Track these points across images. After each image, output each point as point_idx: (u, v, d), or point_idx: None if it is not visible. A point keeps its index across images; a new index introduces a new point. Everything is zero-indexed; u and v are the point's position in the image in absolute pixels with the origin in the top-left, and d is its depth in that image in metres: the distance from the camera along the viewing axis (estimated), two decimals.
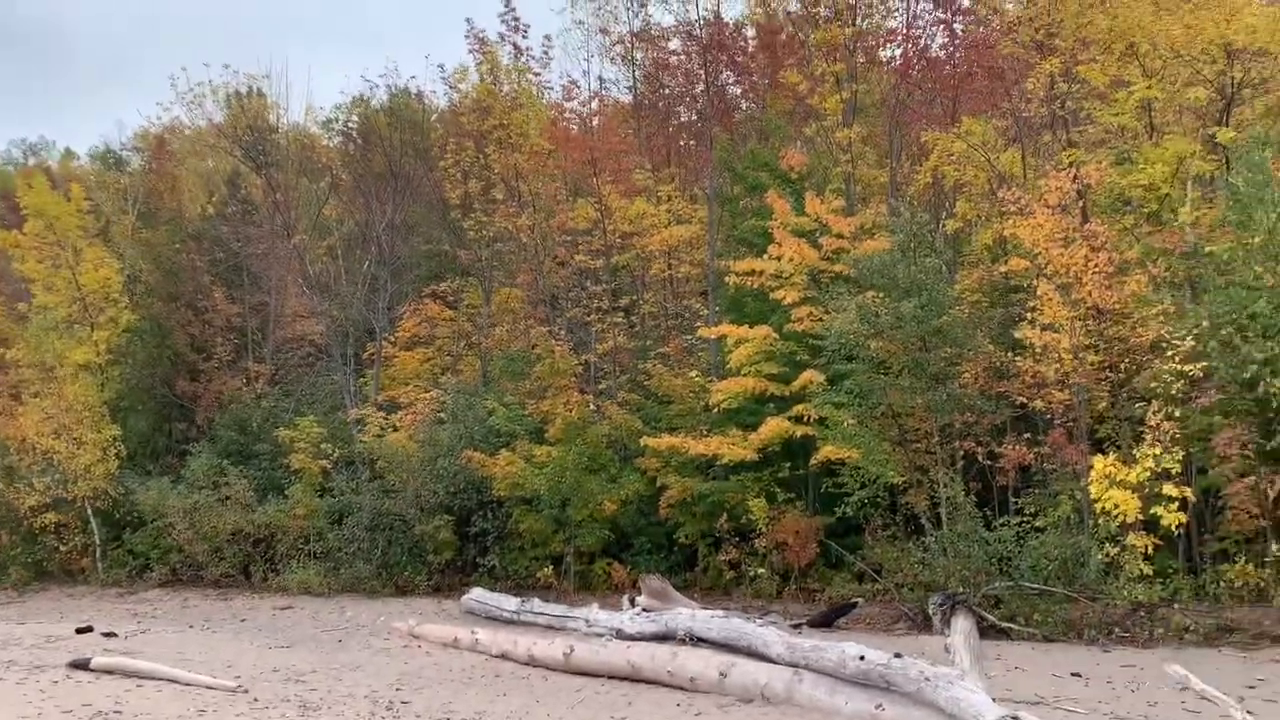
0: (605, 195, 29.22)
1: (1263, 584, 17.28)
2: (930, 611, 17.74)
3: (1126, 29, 22.82)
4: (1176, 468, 17.31)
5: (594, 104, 35.13)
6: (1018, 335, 19.93)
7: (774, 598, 21.95)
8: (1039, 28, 23.67)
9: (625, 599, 18.75)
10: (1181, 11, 22.30)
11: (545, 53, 32.66)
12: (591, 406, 26.48)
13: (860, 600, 20.18)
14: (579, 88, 33.97)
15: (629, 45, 33.99)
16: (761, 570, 22.33)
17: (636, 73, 34.87)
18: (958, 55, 27.03)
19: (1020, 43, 23.95)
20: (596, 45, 35.76)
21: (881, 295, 20.79)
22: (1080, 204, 21.42)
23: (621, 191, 30.15)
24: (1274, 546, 17.25)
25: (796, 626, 18.50)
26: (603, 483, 24.27)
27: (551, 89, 34.87)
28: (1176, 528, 17.30)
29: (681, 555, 24.41)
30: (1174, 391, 17.89)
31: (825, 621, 19.19)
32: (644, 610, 17.25)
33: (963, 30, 26.87)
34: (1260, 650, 15.46)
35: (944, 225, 26.25)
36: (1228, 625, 16.40)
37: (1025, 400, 20.06)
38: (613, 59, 35.17)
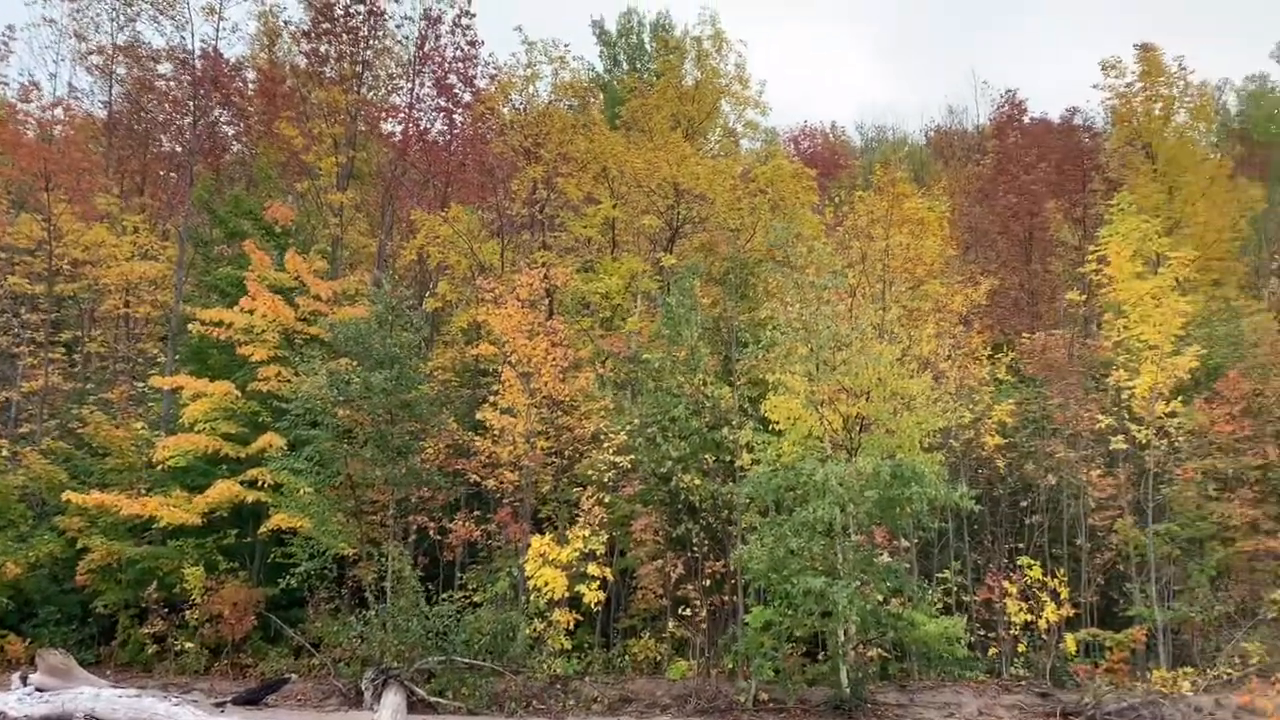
0: (57, 214, 25.92)
1: (660, 658, 19.64)
2: (363, 686, 17.57)
3: (601, 153, 25.74)
4: (601, 549, 19.18)
5: (59, 111, 31.22)
6: (479, 416, 20.94)
7: (201, 674, 20.33)
8: (528, 135, 25.71)
9: (16, 676, 16.16)
10: (645, 149, 25.75)
11: (4, 43, 28.56)
12: (4, 452, 22.91)
13: (294, 676, 19.43)
14: (40, 90, 29.97)
15: (110, 57, 30.88)
16: (190, 644, 20.60)
17: (115, 89, 31.73)
18: (455, 144, 28.35)
19: (510, 145, 25.81)
20: (69, 49, 31.99)
21: (354, 363, 20.71)
22: (547, 301, 23.36)
23: (78, 213, 26.95)
24: (671, 623, 19.73)
25: (220, 705, 17.32)
26: (7, 541, 20.96)
27: (7, 84, 30.47)
28: (596, 605, 19.07)
29: (98, 627, 21.70)
30: (605, 479, 19.94)
31: (253, 699, 18.14)
32: (38, 690, 15.05)
33: (462, 122, 28.29)
34: (653, 718, 17.49)
35: (425, 303, 27.05)
36: (628, 696, 18.34)
37: (480, 479, 21.04)
38: (89, 69, 31.65)
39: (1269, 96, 43.57)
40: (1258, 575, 19.65)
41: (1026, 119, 33.93)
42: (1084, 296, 24.50)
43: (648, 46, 41.45)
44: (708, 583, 20.07)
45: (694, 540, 19.80)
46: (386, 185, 28.20)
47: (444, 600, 19.69)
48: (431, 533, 21.01)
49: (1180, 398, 19.87)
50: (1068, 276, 26.69)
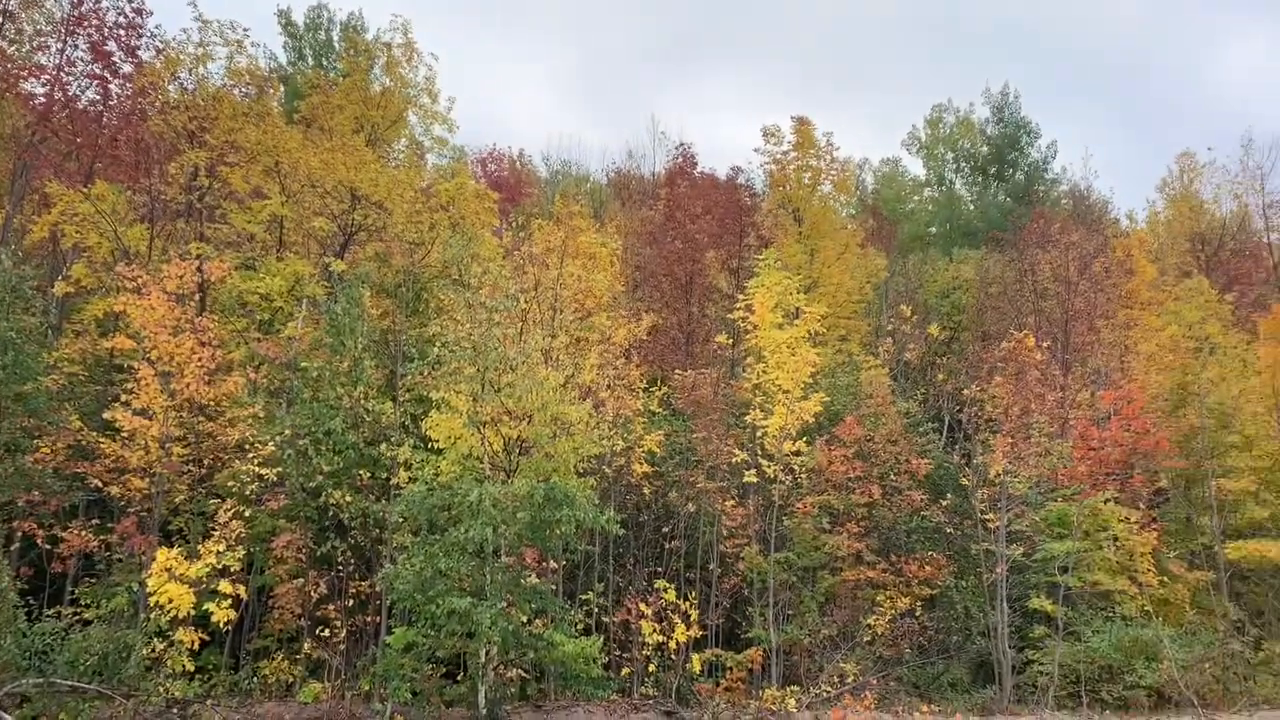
0: None
1: (292, 680, 18.70)
2: None
3: (274, 146, 24.43)
4: (236, 565, 18.00)
5: None
6: (108, 416, 19.03)
7: None
8: (193, 117, 23.89)
9: None
10: (323, 148, 24.75)
11: None
12: None
13: None
14: None
15: None
16: None
17: None
18: (108, 117, 25.72)
19: (172, 125, 23.86)
20: None
21: None
22: (199, 297, 21.72)
23: None
24: (308, 644, 18.87)
25: None
26: None
27: None
28: (226, 624, 17.85)
29: None
30: (248, 492, 18.78)
31: None
32: None
33: (119, 94, 25.73)
34: None
35: (55, 286, 24.23)
36: (258, 719, 17.30)
37: (103, 484, 19.09)
38: None
39: (898, 179, 49.69)
40: (858, 602, 22.07)
41: (696, 172, 36.37)
42: (732, 340, 26.52)
43: (336, 45, 40.07)
44: (351, 603, 19.45)
45: (340, 559, 19.14)
46: (21, 151, 25.02)
47: (49, 616, 17.63)
48: (40, 541, 18.76)
49: (805, 438, 21.99)
50: (720, 321, 28.74)
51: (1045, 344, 25.56)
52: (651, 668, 20.18)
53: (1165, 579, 23.15)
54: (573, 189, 42.66)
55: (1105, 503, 22.64)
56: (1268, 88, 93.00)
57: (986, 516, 22.22)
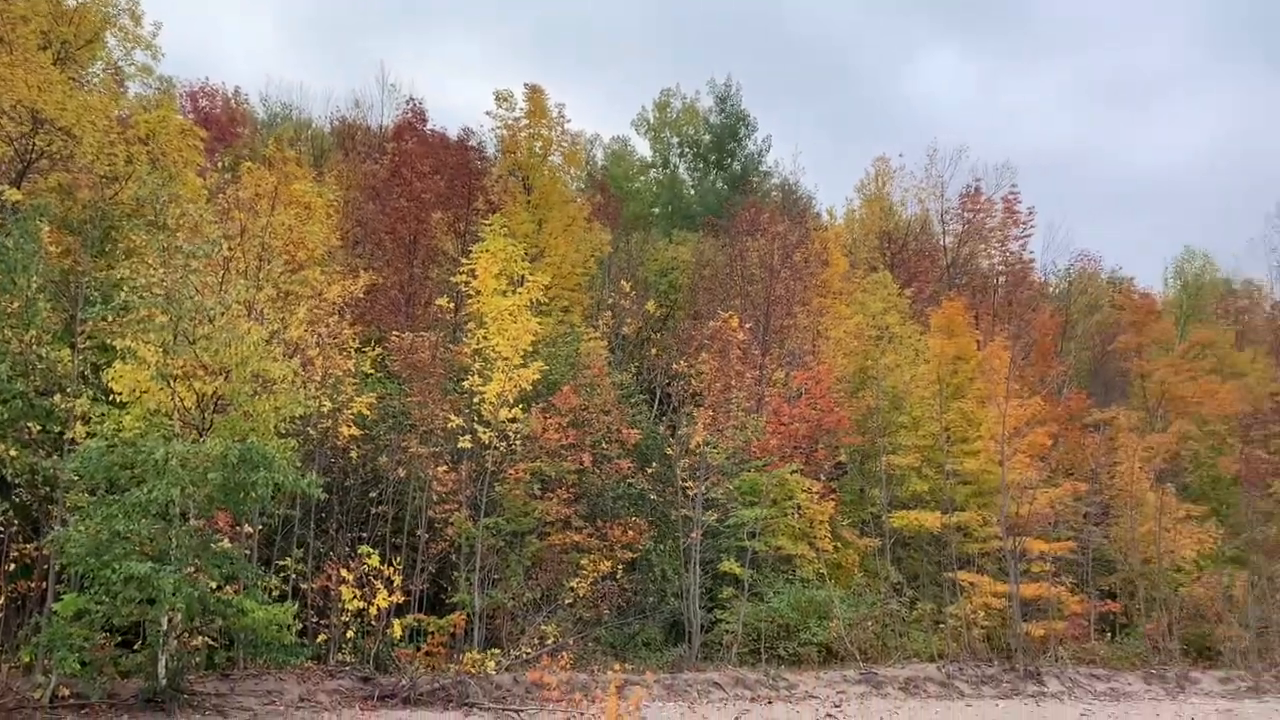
0: None
1: None
2: None
3: None
4: None
5: None
6: None
7: None
8: None
9: None
10: (1, 62, 21.94)
11: None
12: None
13: None
14: None
15: None
16: None
17: None
18: None
19: None
20: None
21: None
22: None
23: None
24: None
25: None
26: None
27: None
28: None
29: None
30: None
31: None
32: None
33: None
34: None
35: None
36: None
37: None
38: None
39: (626, 158, 50.95)
40: (563, 566, 22.64)
41: (427, 129, 35.50)
42: (454, 305, 26.26)
43: None
44: (12, 567, 17.61)
45: (1, 519, 17.25)
46: None
47: None
48: None
49: (521, 406, 22.22)
50: (443, 284, 28.37)
51: (748, 325, 27.22)
52: (350, 634, 19.71)
53: (839, 545, 25.48)
54: (292, 134, 40.42)
55: (792, 474, 24.55)
56: (953, 102, 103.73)
57: (687, 484, 23.44)
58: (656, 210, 48.33)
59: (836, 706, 19.19)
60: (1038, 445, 27.15)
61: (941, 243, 40.17)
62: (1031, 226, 38.43)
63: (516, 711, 17.74)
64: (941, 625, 24.84)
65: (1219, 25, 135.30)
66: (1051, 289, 43.15)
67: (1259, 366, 37.91)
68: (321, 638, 19.73)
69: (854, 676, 21.67)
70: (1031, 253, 40.32)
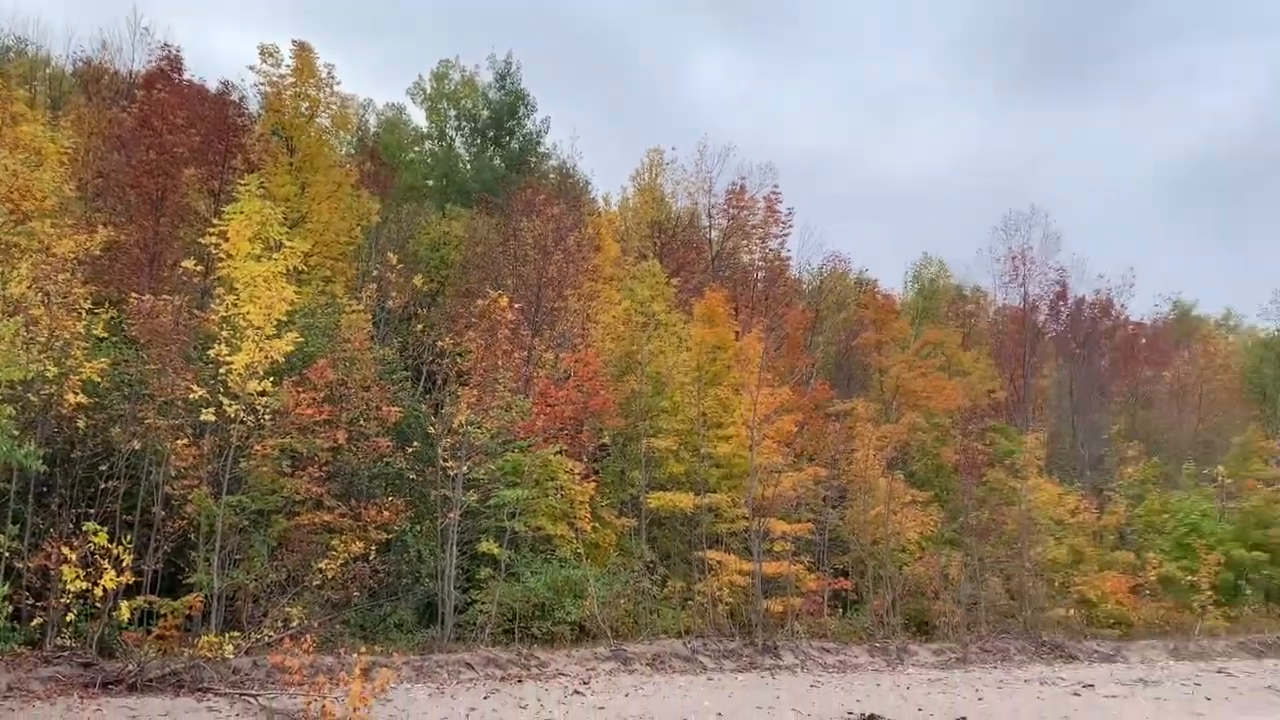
0: None
1: None
2: None
3: None
4: None
5: None
6: None
7: None
8: None
9: None
10: None
11: None
12: None
13: None
14: None
15: None
16: None
17: None
18: None
19: None
20: None
21: None
22: None
23: None
24: None
25: None
26: None
27: None
28: None
29: None
30: None
31: None
32: None
33: None
34: None
35: None
36: None
37: None
38: None
39: (401, 127, 49.50)
40: (312, 546, 21.82)
41: (183, 79, 33.02)
42: (203, 268, 24.67)
43: None
44: None
45: None
46: None
47: None
48: None
49: (272, 379, 21.17)
50: (192, 246, 26.55)
51: (518, 306, 27.17)
52: (71, 617, 18.17)
53: (598, 525, 25.99)
54: (25, 71, 36.56)
55: (555, 455, 24.79)
56: (725, 100, 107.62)
57: (448, 464, 23.15)
58: (431, 183, 47.26)
59: (585, 684, 19.60)
60: (785, 432, 28.75)
61: (708, 236, 41.62)
62: (790, 226, 40.58)
63: (254, 696, 16.99)
64: (690, 602, 25.86)
65: (967, 45, 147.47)
66: (805, 286, 45.65)
67: (980, 366, 41.74)
68: (37, 621, 18.12)
69: (604, 654, 22.21)
70: (789, 251, 42.41)
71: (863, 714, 18.09)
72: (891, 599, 28.67)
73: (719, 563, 26.05)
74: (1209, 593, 34.21)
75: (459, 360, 25.46)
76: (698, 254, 40.30)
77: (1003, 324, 47.40)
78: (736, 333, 31.86)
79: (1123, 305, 47.25)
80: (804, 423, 31.42)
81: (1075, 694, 22.30)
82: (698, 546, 26.70)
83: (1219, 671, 27.16)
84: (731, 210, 40.98)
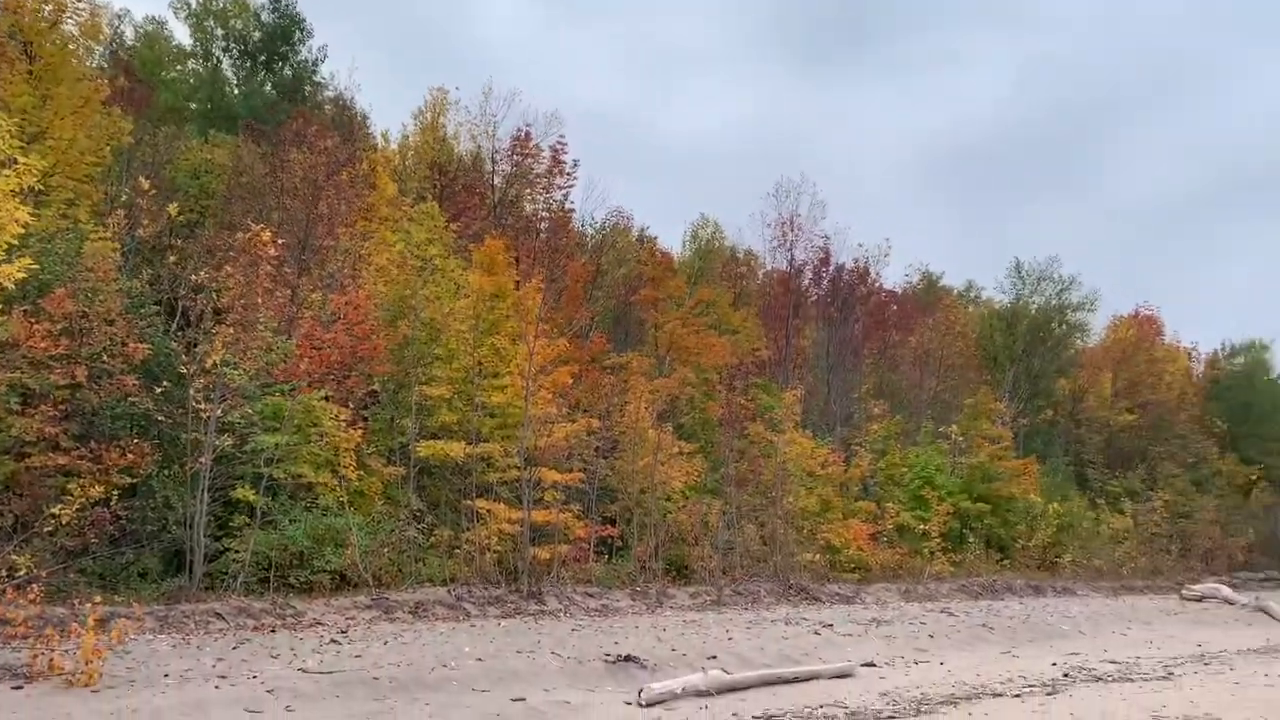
0: None
1: None
2: None
3: None
4: None
5: None
6: None
7: None
8: None
9: None
10: None
11: None
12: None
13: None
14: None
15: None
16: None
17: None
18: None
19: None
20: None
21: None
22: None
23: None
24: None
25: None
26: None
27: None
28: None
29: None
30: None
31: None
32: None
33: None
34: None
35: None
36: None
37: None
38: None
39: (162, 43, 45.71)
40: (44, 490, 20.17)
41: None
42: None
43: None
44: None
45: None
46: None
47: None
48: None
49: (0, 306, 19.26)
50: None
51: (283, 242, 25.88)
52: None
53: (364, 473, 25.38)
54: None
55: (320, 400, 23.95)
56: (511, 45, 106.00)
57: (201, 406, 21.90)
58: (194, 106, 44.04)
59: (343, 632, 19.23)
60: (560, 383, 29.04)
61: (491, 182, 41.05)
62: (575, 178, 40.65)
63: None
64: (457, 551, 25.81)
65: (753, 14, 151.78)
66: (587, 240, 45.99)
67: (748, 326, 43.63)
68: None
69: (365, 603, 21.84)
70: (572, 203, 42.52)
71: (619, 655, 18.74)
72: (655, 546, 29.71)
73: (488, 511, 26.10)
74: (938, 540, 37.60)
75: (216, 296, 24.00)
76: (479, 199, 39.72)
77: (770, 286, 49.62)
78: (516, 282, 31.74)
79: (878, 274, 50.44)
80: (580, 374, 31.85)
81: (816, 633, 24.00)
82: (468, 495, 26.62)
83: (942, 611, 29.94)
84: (516, 157, 40.57)
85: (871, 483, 39.92)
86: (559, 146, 39.87)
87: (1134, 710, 16.23)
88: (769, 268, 51.34)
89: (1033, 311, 54.83)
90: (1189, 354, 64.10)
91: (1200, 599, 38.18)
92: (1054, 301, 55.18)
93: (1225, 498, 53.53)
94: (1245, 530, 51.95)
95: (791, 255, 47.91)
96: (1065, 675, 20.61)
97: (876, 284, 50.70)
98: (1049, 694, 18.20)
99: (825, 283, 49.16)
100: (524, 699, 15.54)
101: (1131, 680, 20.18)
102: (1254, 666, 22.78)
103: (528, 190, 41.08)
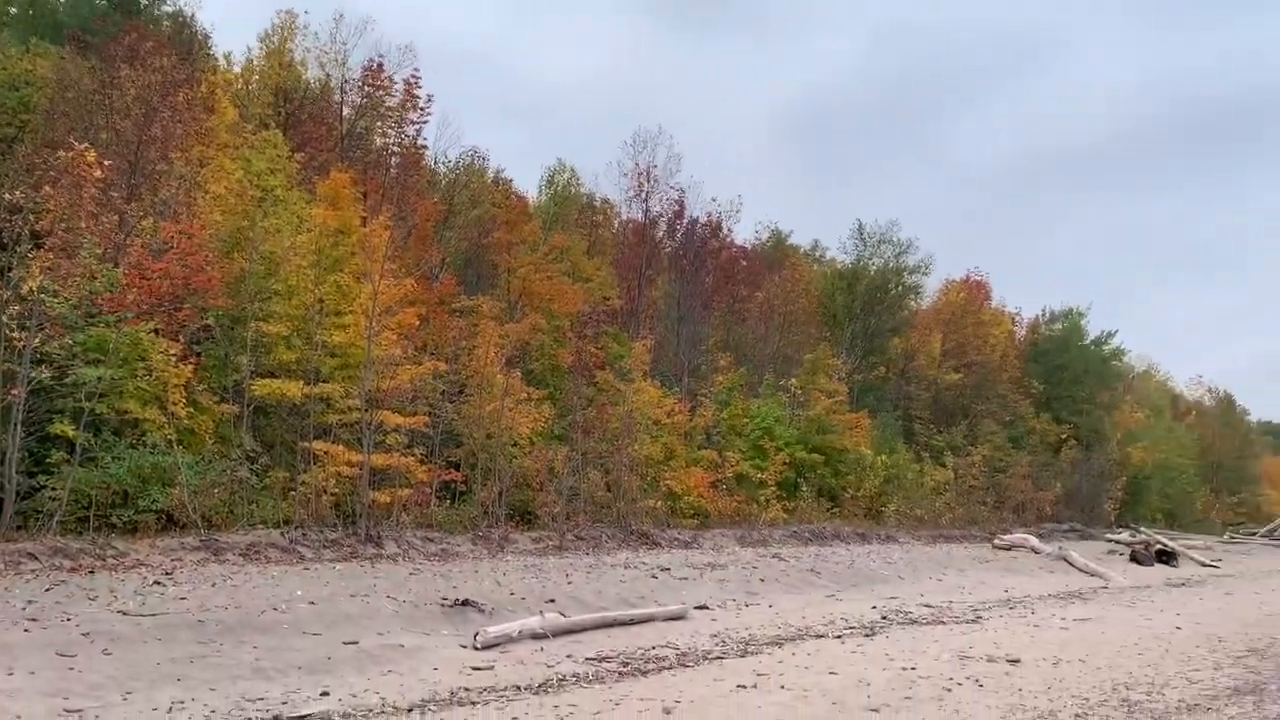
0: None
1: None
2: None
3: None
4: None
5: None
6: None
7: None
8: None
9: None
10: None
11: None
12: None
13: None
14: None
15: None
16: None
17: None
18: None
19: None
20: None
21: None
22: None
23: None
24: None
25: None
26: None
27: None
28: None
29: None
30: None
31: None
32: None
33: None
34: None
35: None
36: None
37: None
38: None
39: None
40: None
41: None
42: None
43: None
44: None
45: None
46: None
47: None
48: None
49: None
50: None
51: (110, 163, 24.30)
52: None
53: (195, 410, 24.36)
54: None
55: (149, 333, 22.79)
56: None
57: (14, 335, 20.51)
58: (14, 10, 40.50)
59: (168, 574, 18.55)
60: (406, 324, 28.51)
61: (339, 113, 39.51)
62: (429, 114, 39.49)
63: None
64: (293, 493, 25.18)
65: None
66: (440, 179, 44.95)
67: (602, 274, 43.76)
68: None
69: (193, 544, 21.10)
70: (425, 140, 41.31)
71: (457, 599, 18.80)
72: (499, 491, 29.75)
73: (326, 454, 25.52)
74: (774, 489, 39.05)
75: (34, 219, 22.38)
76: (326, 130, 38.19)
77: (625, 236, 49.82)
78: (363, 218, 30.82)
79: (729, 229, 51.29)
80: (428, 316, 31.33)
81: (653, 576, 24.65)
82: (305, 437, 25.94)
83: (774, 557, 31.20)
84: (367, 89, 39.08)
85: (714, 432, 40.96)
86: (413, 80, 38.69)
87: (943, 651, 17.41)
88: (624, 217, 51.51)
89: (872, 273, 56.92)
90: (1013, 319, 68.13)
91: (1010, 548, 41.06)
92: (892, 264, 57.39)
93: (1037, 454, 57.46)
94: (1054, 485, 55.97)
95: (647, 206, 48.19)
96: (883, 618, 21.90)
97: (728, 239, 51.61)
98: (867, 635, 19.32)
99: (679, 235, 49.70)
100: (356, 642, 15.43)
101: (943, 623, 21.61)
102: (1052, 610, 24.76)
103: (378, 124, 39.72)
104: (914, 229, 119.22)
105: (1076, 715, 12.26)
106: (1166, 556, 44.41)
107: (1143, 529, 56.19)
